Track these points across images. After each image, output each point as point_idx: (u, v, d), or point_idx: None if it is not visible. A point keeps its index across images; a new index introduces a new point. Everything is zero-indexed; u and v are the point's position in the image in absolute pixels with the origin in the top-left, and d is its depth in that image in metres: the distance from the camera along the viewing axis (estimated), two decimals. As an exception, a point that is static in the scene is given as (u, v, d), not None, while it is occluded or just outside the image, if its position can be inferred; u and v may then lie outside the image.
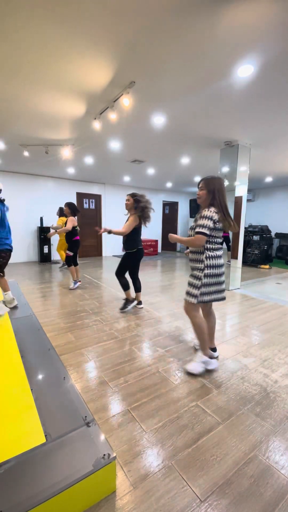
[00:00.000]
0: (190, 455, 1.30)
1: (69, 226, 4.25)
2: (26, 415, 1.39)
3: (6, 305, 3.14)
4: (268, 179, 7.39)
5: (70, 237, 4.43)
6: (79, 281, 4.58)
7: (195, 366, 1.99)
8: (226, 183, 4.57)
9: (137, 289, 3.44)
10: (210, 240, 1.88)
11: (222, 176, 4.63)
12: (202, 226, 1.83)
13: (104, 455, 1.12)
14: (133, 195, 3.14)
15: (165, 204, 10.41)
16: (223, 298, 2.00)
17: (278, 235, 8.18)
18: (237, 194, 4.45)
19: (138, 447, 1.33)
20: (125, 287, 3.32)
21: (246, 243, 7.34)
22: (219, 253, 1.92)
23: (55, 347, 2.30)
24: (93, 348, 2.37)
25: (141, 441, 1.37)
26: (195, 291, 1.90)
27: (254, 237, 7.49)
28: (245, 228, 6.93)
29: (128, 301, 3.39)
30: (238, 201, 4.45)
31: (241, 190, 4.49)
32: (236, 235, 4.58)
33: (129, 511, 1.05)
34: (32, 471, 1.06)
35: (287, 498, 1.10)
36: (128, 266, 3.30)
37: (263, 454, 1.31)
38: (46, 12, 1.65)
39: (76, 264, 4.49)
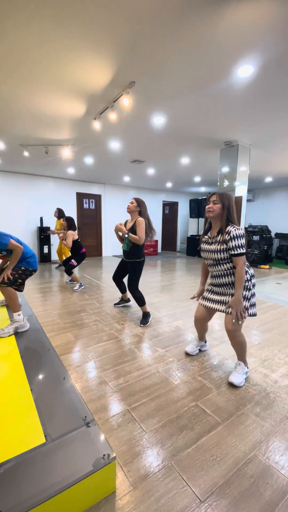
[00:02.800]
0: (190, 455, 1.30)
1: (69, 243, 4.20)
2: (26, 415, 1.39)
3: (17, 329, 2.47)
4: (268, 179, 7.39)
5: (77, 250, 4.35)
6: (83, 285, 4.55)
7: (241, 378, 1.86)
8: (226, 183, 4.57)
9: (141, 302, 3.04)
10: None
11: (222, 176, 4.64)
12: (242, 246, 1.72)
13: (104, 455, 1.12)
14: (136, 199, 2.94)
15: (165, 204, 10.41)
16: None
17: (278, 235, 8.18)
18: (237, 194, 4.45)
19: (138, 447, 1.33)
20: (143, 301, 3.00)
21: (246, 243, 7.34)
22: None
23: (55, 347, 2.30)
24: (93, 348, 2.37)
25: (141, 441, 1.37)
26: (247, 303, 1.79)
27: (254, 237, 7.49)
28: (245, 228, 6.94)
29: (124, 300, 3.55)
30: (238, 201, 4.45)
31: (241, 190, 4.49)
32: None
33: (129, 511, 1.05)
34: (32, 471, 1.06)
35: (287, 498, 1.10)
36: (138, 277, 2.98)
37: (263, 454, 1.30)
38: (45, 12, 1.65)
39: (71, 273, 4.41)
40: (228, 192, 1.88)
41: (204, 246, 1.92)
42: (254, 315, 1.83)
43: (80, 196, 7.93)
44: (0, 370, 1.84)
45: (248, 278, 1.80)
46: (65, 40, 1.90)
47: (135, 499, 1.09)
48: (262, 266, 6.96)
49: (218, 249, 1.78)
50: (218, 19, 1.68)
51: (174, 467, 1.23)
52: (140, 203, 2.91)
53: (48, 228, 7.01)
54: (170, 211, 10.63)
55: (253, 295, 1.83)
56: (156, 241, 9.24)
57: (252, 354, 2.31)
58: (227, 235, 1.74)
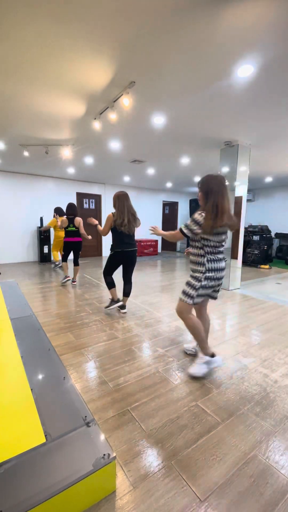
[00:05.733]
0: (190, 455, 1.30)
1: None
2: (26, 415, 1.39)
3: None
4: (268, 179, 7.39)
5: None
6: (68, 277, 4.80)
7: (198, 368, 1.94)
8: (226, 183, 4.56)
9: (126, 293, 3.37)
10: (209, 245, 1.85)
11: (222, 176, 4.63)
12: (186, 226, 1.89)
13: (104, 455, 1.12)
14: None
15: (165, 204, 10.41)
16: (215, 298, 2.02)
17: (278, 235, 8.18)
18: (237, 194, 4.45)
19: (138, 447, 1.34)
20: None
21: (246, 243, 7.34)
22: (220, 256, 1.90)
23: (55, 347, 2.30)
24: (93, 348, 2.37)
25: (141, 441, 1.37)
26: (193, 292, 1.88)
27: (254, 237, 7.48)
28: (245, 228, 6.94)
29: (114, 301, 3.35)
30: (238, 201, 4.46)
31: (241, 190, 4.49)
32: (236, 235, 4.57)
33: (129, 511, 1.05)
34: (32, 471, 1.06)
35: (287, 498, 1.10)
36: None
37: (263, 454, 1.31)
38: (46, 12, 1.65)
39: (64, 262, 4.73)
40: (214, 176, 2.02)
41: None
42: (194, 303, 1.91)
43: (80, 196, 7.92)
44: (0, 370, 1.84)
45: (203, 271, 1.86)
46: (65, 40, 1.90)
47: (135, 499, 1.09)
48: (262, 266, 6.96)
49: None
50: (218, 19, 1.68)
51: (174, 467, 1.23)
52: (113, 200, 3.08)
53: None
54: (170, 211, 10.63)
55: (204, 287, 1.88)
56: (156, 241, 9.23)
57: (252, 354, 2.31)
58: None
